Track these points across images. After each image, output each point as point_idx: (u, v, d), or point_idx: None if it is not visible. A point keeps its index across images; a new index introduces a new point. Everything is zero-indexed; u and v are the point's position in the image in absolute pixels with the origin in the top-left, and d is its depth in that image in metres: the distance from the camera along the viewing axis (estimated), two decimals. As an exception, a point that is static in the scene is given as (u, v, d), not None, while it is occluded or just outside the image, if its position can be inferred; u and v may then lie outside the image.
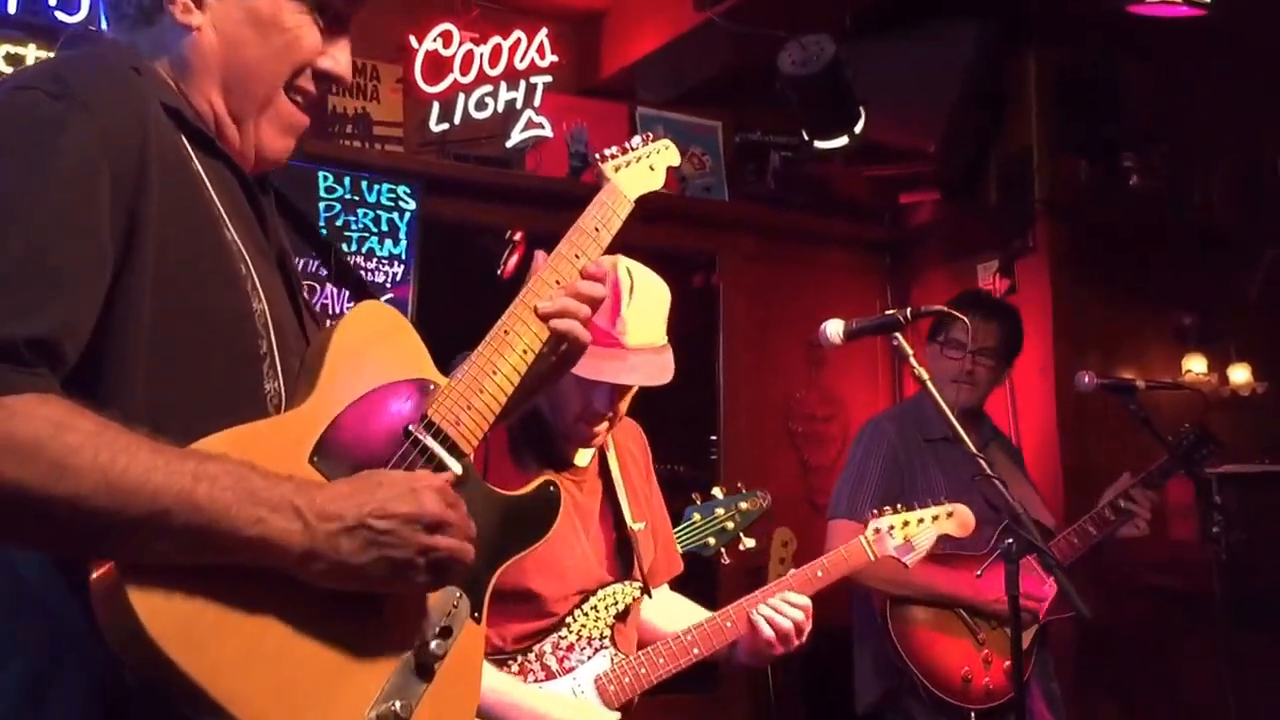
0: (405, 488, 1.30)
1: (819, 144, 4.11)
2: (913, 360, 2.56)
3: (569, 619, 2.33)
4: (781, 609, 2.42)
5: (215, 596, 1.21)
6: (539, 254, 1.65)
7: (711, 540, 2.80)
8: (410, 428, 1.42)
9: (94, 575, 1.18)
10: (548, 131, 4.31)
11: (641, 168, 1.83)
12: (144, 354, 1.25)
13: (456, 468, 1.44)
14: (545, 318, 1.58)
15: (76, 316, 1.20)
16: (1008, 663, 3.31)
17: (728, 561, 2.98)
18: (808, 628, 2.44)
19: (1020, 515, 2.42)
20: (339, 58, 1.50)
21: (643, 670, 2.35)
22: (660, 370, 2.30)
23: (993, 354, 3.65)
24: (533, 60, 4.29)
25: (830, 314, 2.72)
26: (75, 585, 1.20)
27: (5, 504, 1.13)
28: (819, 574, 2.56)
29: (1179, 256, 4.65)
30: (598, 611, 2.35)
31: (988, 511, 3.45)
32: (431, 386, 1.48)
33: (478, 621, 1.49)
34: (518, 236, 4.65)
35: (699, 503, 2.91)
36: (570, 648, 2.32)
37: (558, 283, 1.61)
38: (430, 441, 1.42)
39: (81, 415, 1.16)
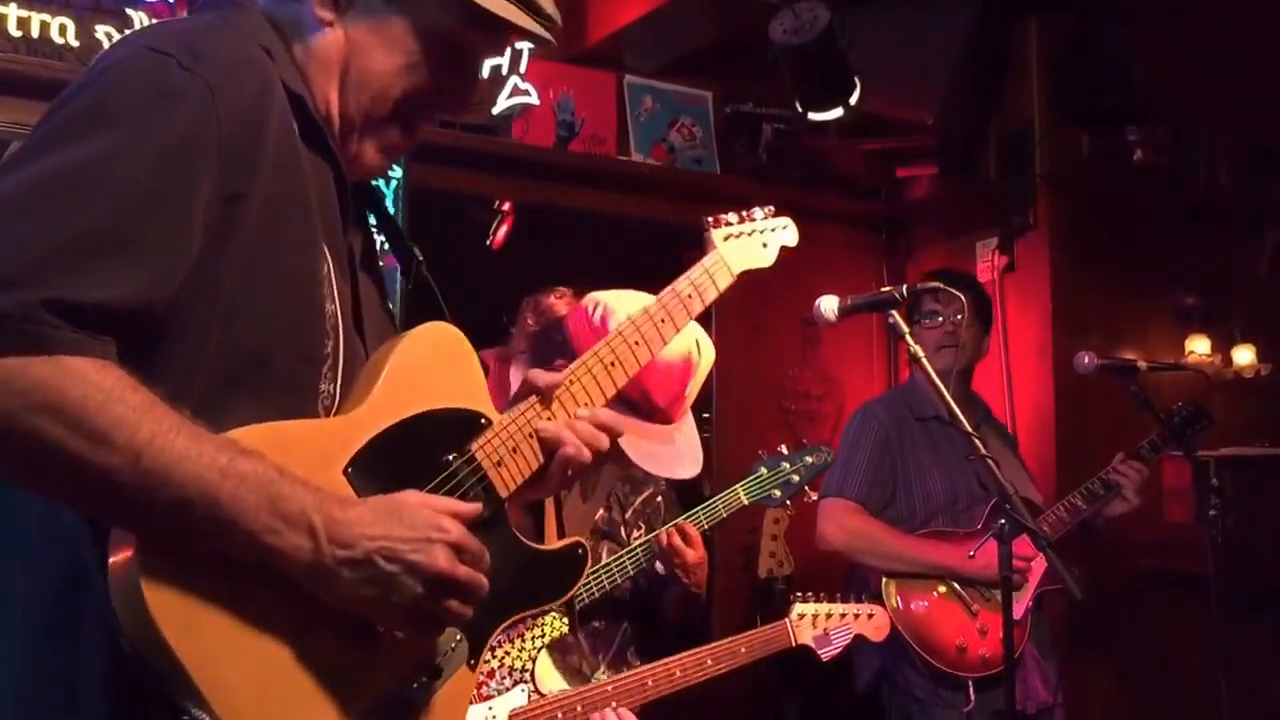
0: (422, 535, 1.28)
1: (813, 116, 4.04)
2: (909, 338, 2.54)
3: (494, 642, 2.28)
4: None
5: (222, 591, 1.22)
6: (614, 309, 1.62)
7: (777, 492, 2.84)
8: (450, 458, 1.40)
9: (111, 545, 1.20)
10: (534, 99, 4.23)
11: (753, 242, 1.81)
12: (216, 332, 1.27)
13: (485, 510, 1.41)
14: (544, 442, 1.49)
15: (151, 292, 1.21)
16: (1002, 632, 3.33)
17: (792, 512, 3.14)
18: None
19: (1011, 495, 2.41)
20: (462, 98, 1.50)
21: (559, 715, 2.32)
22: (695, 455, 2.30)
23: (968, 317, 3.64)
24: (519, 25, 4.18)
25: (825, 291, 2.68)
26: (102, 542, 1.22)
27: (38, 459, 1.15)
28: (742, 650, 2.62)
29: (1183, 235, 4.58)
30: (524, 641, 2.35)
31: (978, 490, 3.50)
32: (482, 420, 1.46)
33: (472, 669, 1.46)
34: (506, 207, 4.59)
35: (765, 458, 2.94)
36: (491, 674, 2.31)
37: (637, 344, 1.59)
38: (465, 477, 1.41)
39: (133, 390, 1.17)
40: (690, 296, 1.65)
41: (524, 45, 4.19)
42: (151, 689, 1.20)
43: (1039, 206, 4.42)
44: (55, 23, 3.62)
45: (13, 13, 3.58)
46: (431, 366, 1.43)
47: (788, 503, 3.03)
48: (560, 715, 2.31)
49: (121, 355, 1.19)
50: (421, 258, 1.60)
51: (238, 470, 1.19)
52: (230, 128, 1.26)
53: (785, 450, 2.95)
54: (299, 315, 1.33)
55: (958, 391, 3.66)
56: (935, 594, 3.48)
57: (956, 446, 3.49)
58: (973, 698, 3.38)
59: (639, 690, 2.44)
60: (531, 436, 1.48)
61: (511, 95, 4.19)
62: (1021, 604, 3.45)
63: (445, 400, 1.42)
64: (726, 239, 1.77)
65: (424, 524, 1.28)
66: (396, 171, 4.07)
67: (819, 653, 2.74)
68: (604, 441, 1.52)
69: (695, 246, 5.35)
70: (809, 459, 2.90)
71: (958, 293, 3.54)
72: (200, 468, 1.17)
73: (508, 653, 2.31)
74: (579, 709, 2.33)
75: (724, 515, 2.79)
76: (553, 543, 1.58)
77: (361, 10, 1.42)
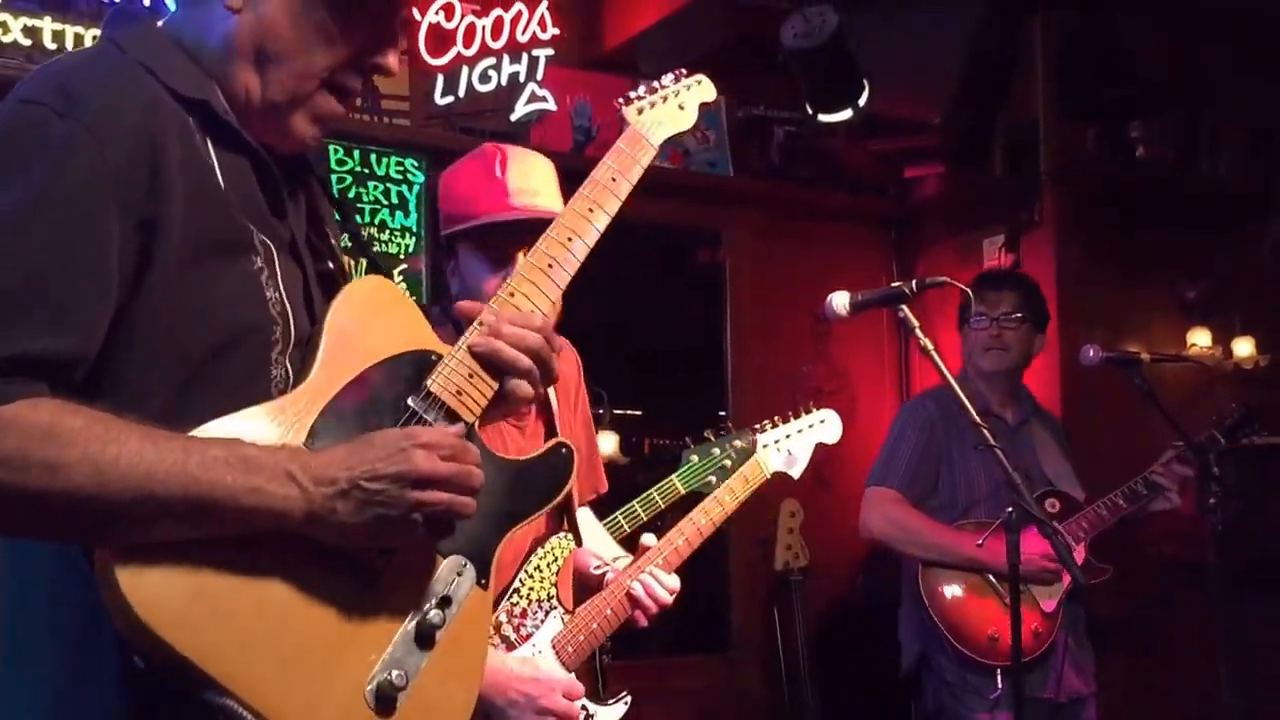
0: (395, 447, 1.31)
1: (823, 117, 4.10)
2: (919, 332, 2.60)
3: (517, 583, 2.31)
4: (652, 588, 2.40)
5: (211, 577, 1.22)
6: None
7: (713, 479, 2.80)
8: (409, 401, 1.41)
9: (95, 563, 1.20)
10: (551, 105, 4.30)
11: (669, 108, 1.72)
12: (161, 356, 1.29)
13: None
14: (479, 358, 1.46)
15: (75, 338, 1.23)
16: (1035, 624, 3.46)
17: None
18: (663, 607, 2.42)
19: (1018, 485, 2.47)
20: (383, 54, 1.48)
21: (595, 626, 2.35)
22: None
23: (1015, 319, 3.76)
24: (534, 33, 4.27)
25: (836, 288, 2.74)
26: None
27: (6, 509, 1.18)
28: (727, 499, 2.61)
29: (1186, 228, 4.62)
30: (541, 571, 2.33)
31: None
32: (432, 358, 1.45)
33: (484, 588, 1.46)
34: (522, 211, 4.65)
35: (693, 445, 2.91)
36: (524, 614, 2.30)
37: (570, 239, 1.56)
38: (428, 413, 1.41)
39: (72, 414, 1.19)
40: (614, 179, 1.60)
41: (541, 53, 4.29)
42: (174, 698, 1.21)
43: (1044, 203, 4.48)
44: (70, 31, 3.62)
45: (47, 26, 3.59)
46: (369, 320, 1.43)
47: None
48: (596, 626, 2.34)
49: (67, 389, 1.21)
50: (361, 226, 1.61)
51: (198, 447, 1.22)
52: (119, 160, 1.26)
53: (711, 436, 2.91)
54: (240, 313, 1.34)
55: (1007, 387, 3.81)
56: (970, 584, 3.55)
57: (1000, 439, 3.56)
58: (1000, 685, 3.43)
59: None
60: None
61: (529, 101, 4.26)
62: (1055, 597, 3.53)
63: (391, 348, 1.42)
64: (640, 111, 1.69)
65: (393, 439, 1.31)
66: (419, 177, 4.17)
67: (789, 472, 2.72)
68: (532, 339, 1.47)
69: (709, 245, 5.43)
70: (737, 443, 2.86)
71: (1000, 295, 3.71)
72: (161, 455, 1.19)
73: (530, 587, 2.30)
74: (609, 613, 2.36)
75: (662, 507, 2.78)
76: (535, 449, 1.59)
77: None
